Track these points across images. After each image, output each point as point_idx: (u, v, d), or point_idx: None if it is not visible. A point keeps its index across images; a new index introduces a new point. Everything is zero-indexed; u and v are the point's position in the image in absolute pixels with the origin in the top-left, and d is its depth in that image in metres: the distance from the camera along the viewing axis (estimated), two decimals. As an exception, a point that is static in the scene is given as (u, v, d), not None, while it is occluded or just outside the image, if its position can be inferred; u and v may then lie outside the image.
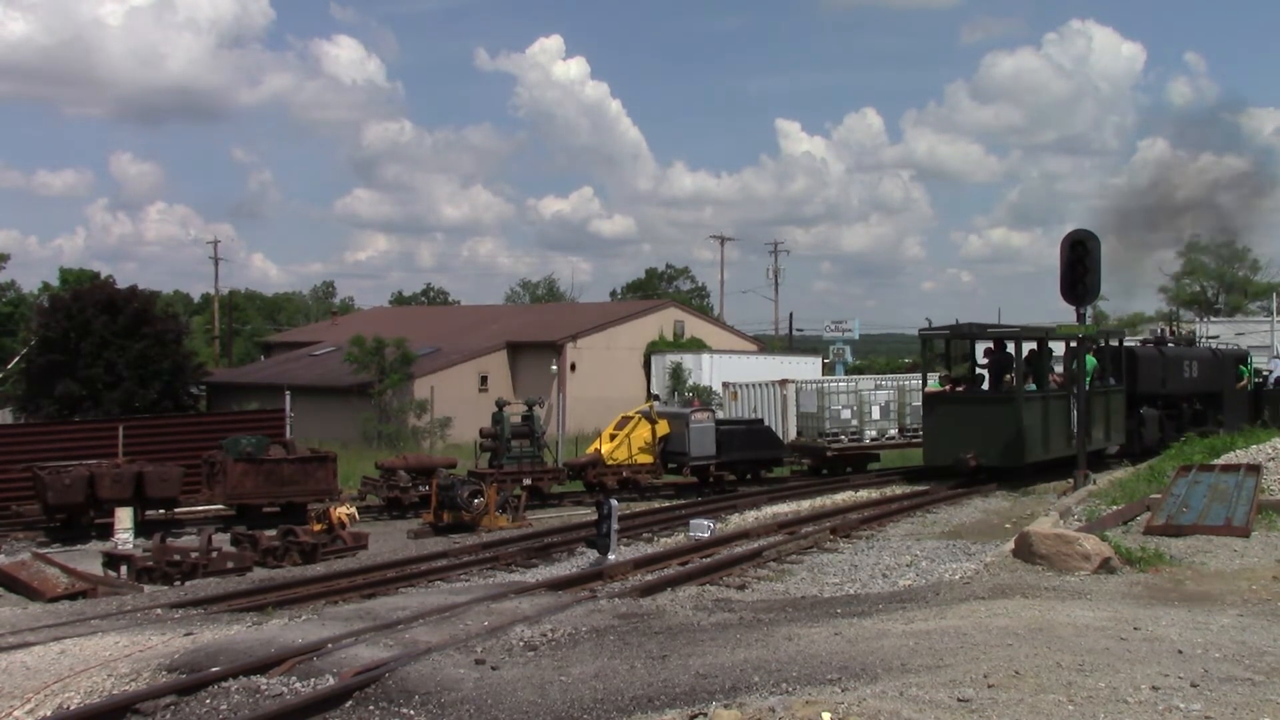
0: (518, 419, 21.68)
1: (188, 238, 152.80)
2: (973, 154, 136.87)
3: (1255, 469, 14.10)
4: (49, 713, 7.05)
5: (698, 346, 47.78)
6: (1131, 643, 7.24)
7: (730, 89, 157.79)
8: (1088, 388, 20.81)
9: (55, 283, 61.99)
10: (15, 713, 7.07)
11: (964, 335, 22.36)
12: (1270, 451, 15.74)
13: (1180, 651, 7.01)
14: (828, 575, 12.09)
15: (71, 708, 7.05)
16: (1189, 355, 26.72)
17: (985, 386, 22.20)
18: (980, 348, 23.26)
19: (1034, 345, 22.26)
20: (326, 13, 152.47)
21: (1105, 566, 10.13)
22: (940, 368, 24.01)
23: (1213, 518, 12.21)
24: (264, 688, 7.10)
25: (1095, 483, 18.21)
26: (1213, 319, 58.10)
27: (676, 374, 43.80)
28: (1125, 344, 24.65)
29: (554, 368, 43.71)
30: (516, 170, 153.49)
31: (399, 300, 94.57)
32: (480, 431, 21.94)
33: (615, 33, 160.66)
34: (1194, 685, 6.21)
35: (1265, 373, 29.21)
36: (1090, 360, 21.43)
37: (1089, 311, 20.12)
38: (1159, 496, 13.45)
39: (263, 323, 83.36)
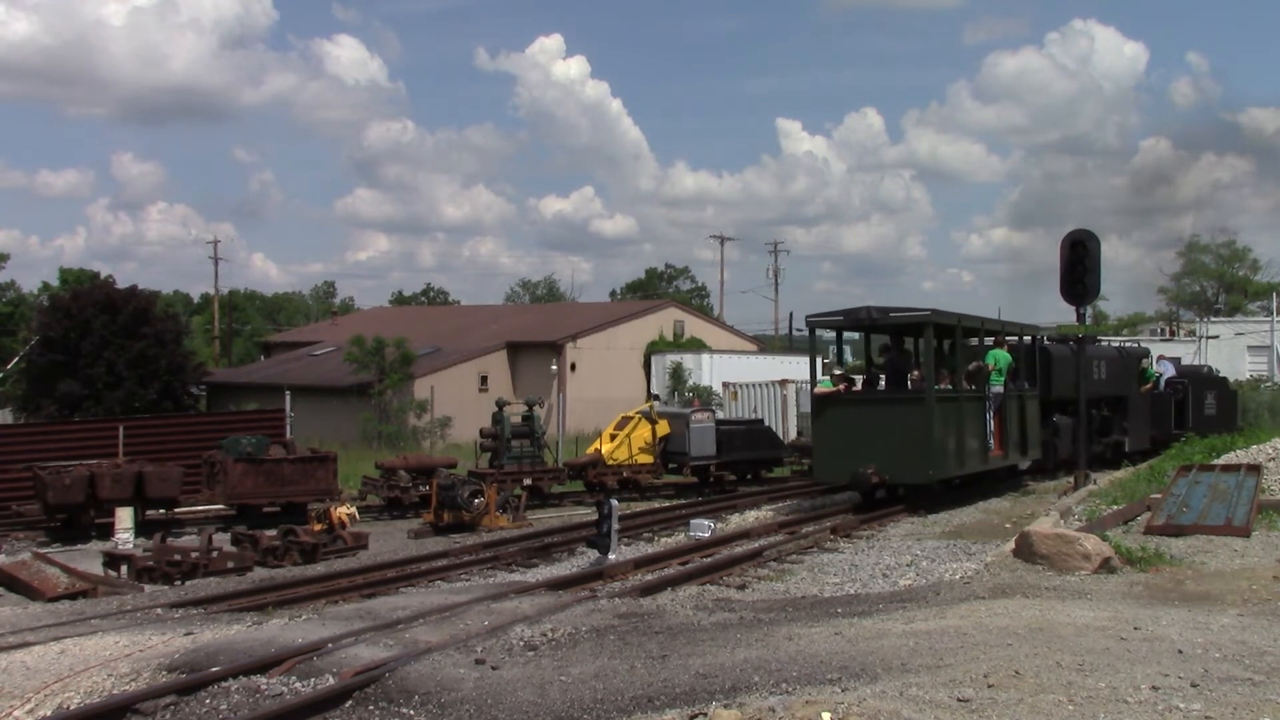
0: (518, 419, 21.70)
1: (188, 238, 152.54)
2: (974, 154, 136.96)
3: (1255, 469, 14.10)
4: (49, 712, 7.04)
5: (698, 346, 47.76)
6: (1132, 643, 7.23)
7: (731, 88, 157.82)
8: (1000, 389, 18.85)
9: (55, 283, 62.06)
10: (15, 712, 7.07)
11: (860, 323, 18.17)
12: (1270, 451, 15.74)
13: (1180, 651, 7.01)
14: (828, 575, 12.08)
15: (71, 708, 7.05)
16: (1096, 355, 23.82)
17: (883, 385, 19.02)
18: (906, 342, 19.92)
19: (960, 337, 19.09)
20: (329, 13, 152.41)
21: (1105, 566, 10.13)
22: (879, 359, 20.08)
23: (1213, 517, 12.22)
24: (264, 687, 7.10)
25: (1095, 482, 18.21)
26: (1213, 319, 58.12)
27: (676, 374, 43.80)
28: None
29: (554, 368, 43.70)
30: (518, 170, 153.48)
31: (399, 300, 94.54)
32: (480, 431, 21.96)
33: (615, 32, 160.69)
34: (1194, 685, 6.21)
35: (1157, 374, 26.36)
36: (1004, 357, 19.11)
37: (1089, 312, 19.97)
38: (1159, 496, 13.46)
39: (263, 323, 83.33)
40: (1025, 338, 20.86)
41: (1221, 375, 30.89)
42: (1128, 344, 28.11)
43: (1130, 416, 24.28)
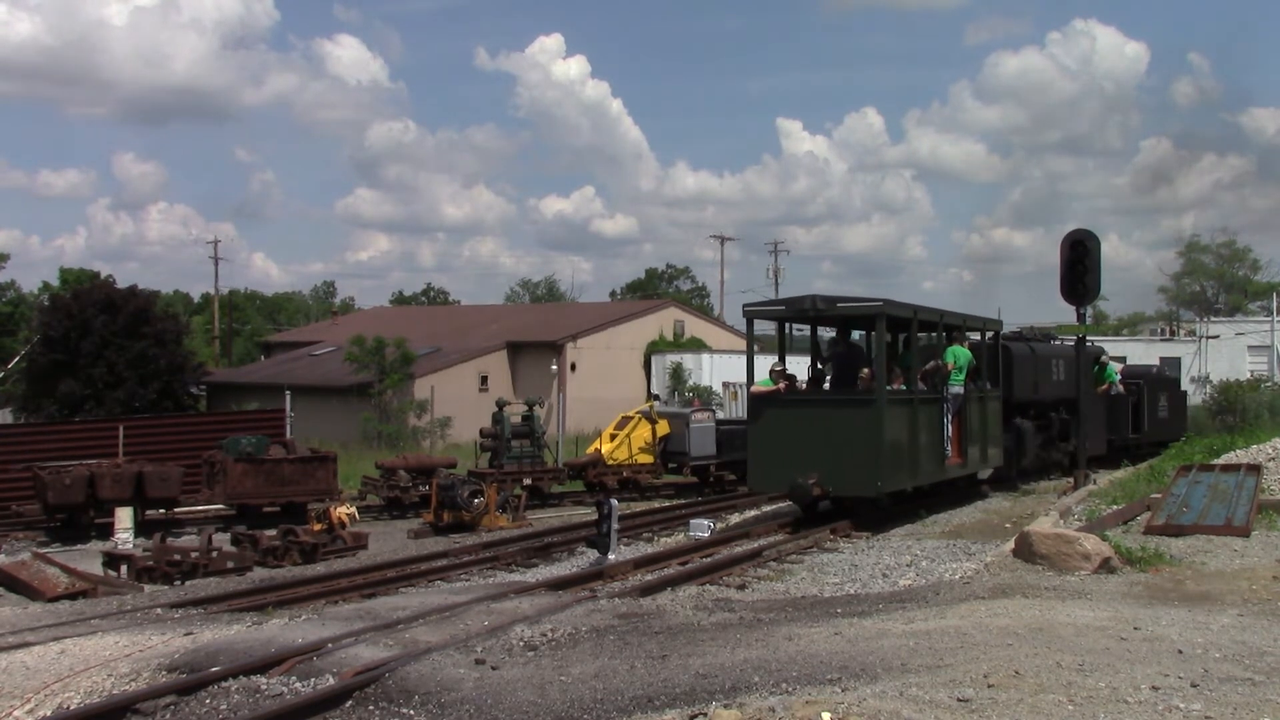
0: (518, 419, 21.70)
1: (189, 237, 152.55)
2: (976, 154, 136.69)
3: (1255, 469, 14.11)
4: (49, 713, 7.04)
5: (698, 346, 47.75)
6: (1131, 643, 7.23)
7: (732, 88, 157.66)
8: (960, 390, 17.18)
9: (55, 282, 62.06)
10: (15, 713, 7.07)
11: (804, 313, 16.13)
12: (1270, 451, 15.76)
13: (1180, 651, 7.01)
14: (828, 575, 12.09)
15: (71, 708, 7.04)
16: (1055, 354, 22.54)
17: (828, 383, 17.27)
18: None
19: (922, 331, 17.92)
20: (330, 13, 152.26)
21: (1105, 566, 10.13)
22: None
23: (1213, 517, 12.22)
24: (264, 687, 7.10)
25: (1095, 482, 18.22)
26: (1213, 319, 58.14)
27: (676, 374, 43.80)
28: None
29: (554, 368, 43.71)
30: (518, 170, 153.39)
31: (399, 300, 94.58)
32: (480, 431, 21.97)
33: (615, 32, 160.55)
34: (1194, 685, 6.21)
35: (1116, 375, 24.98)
36: (965, 354, 17.34)
37: (1089, 312, 19.93)
38: (1159, 496, 13.46)
39: (263, 323, 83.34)
40: (988, 334, 19.31)
41: (1173, 375, 29.58)
42: (1089, 343, 26.83)
43: (1088, 420, 23.06)
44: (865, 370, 15.96)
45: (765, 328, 20.20)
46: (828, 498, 15.63)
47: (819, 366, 17.65)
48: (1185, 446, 21.13)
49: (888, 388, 15.49)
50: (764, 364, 17.06)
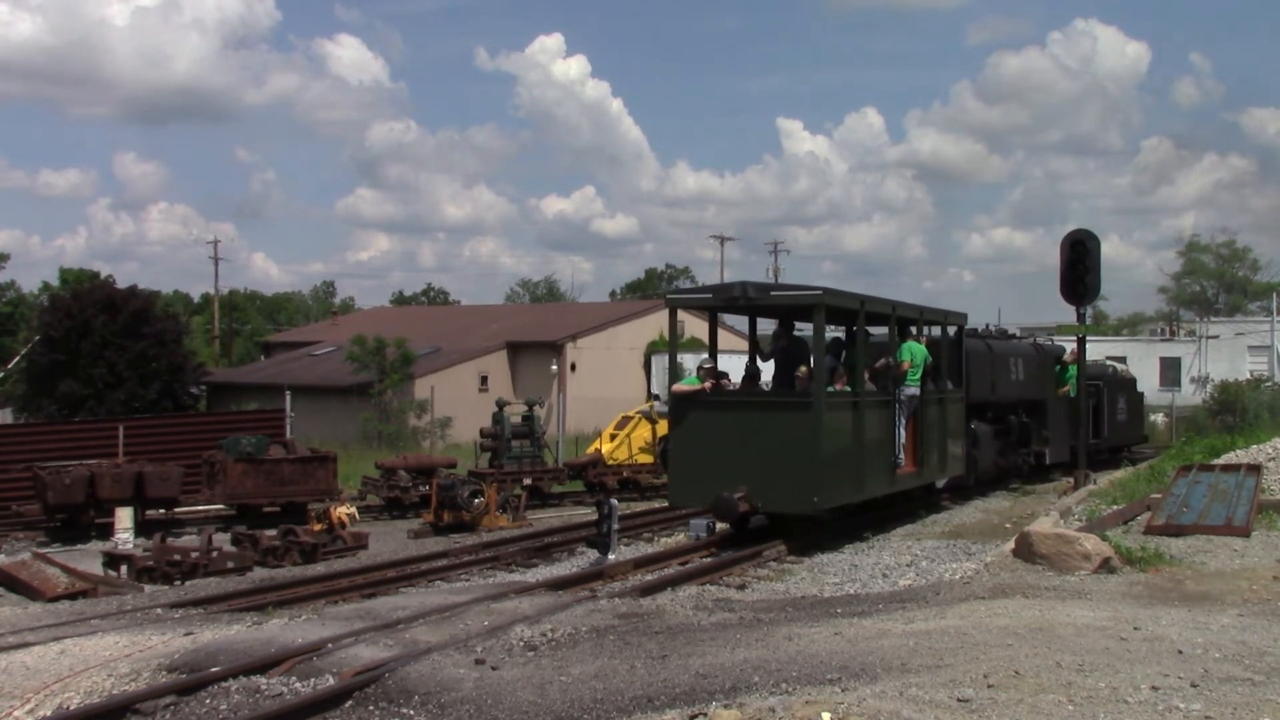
0: (518, 419, 21.72)
1: (189, 237, 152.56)
2: (977, 154, 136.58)
3: (1255, 469, 14.11)
4: (49, 713, 7.04)
5: (698, 347, 47.71)
6: (1131, 643, 7.24)
7: (732, 88, 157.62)
8: (917, 391, 15.67)
9: (55, 282, 62.08)
10: (15, 713, 7.07)
11: (734, 302, 14.08)
12: (1270, 451, 15.76)
13: (1180, 651, 7.01)
14: (828, 575, 12.09)
15: (71, 708, 7.04)
16: (1013, 352, 21.07)
17: (767, 382, 15.31)
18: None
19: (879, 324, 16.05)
20: (331, 13, 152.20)
21: (1105, 566, 10.14)
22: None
23: (1213, 517, 12.22)
24: (264, 687, 7.10)
25: (1095, 482, 18.22)
26: (1213, 319, 58.18)
27: (677, 374, 43.76)
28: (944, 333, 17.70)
29: (554, 368, 43.71)
30: (519, 170, 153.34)
31: (399, 300, 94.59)
32: (480, 431, 21.98)
33: (615, 32, 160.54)
34: (1194, 685, 6.21)
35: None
36: (921, 351, 15.85)
37: (1089, 312, 19.91)
38: (1159, 496, 13.47)
39: (263, 323, 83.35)
40: (949, 329, 17.65)
41: (1130, 376, 27.94)
42: (1042, 340, 24.17)
43: (1050, 424, 21.57)
44: (802, 368, 14.07)
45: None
46: (757, 514, 13.79)
47: (757, 364, 15.65)
48: (1185, 446, 21.12)
49: (832, 389, 13.83)
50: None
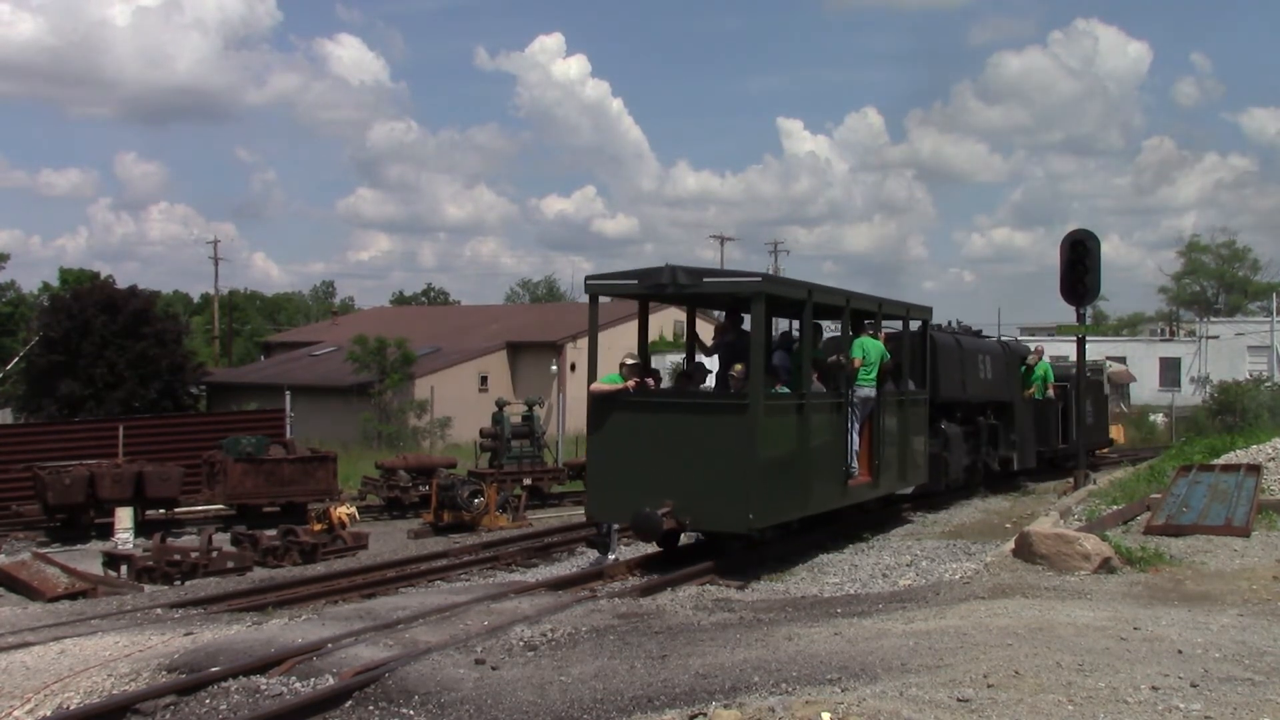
0: (518, 419, 21.72)
1: (190, 237, 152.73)
2: (978, 153, 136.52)
3: (1255, 469, 14.11)
4: (49, 713, 7.04)
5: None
6: (1131, 643, 7.24)
7: (733, 88, 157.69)
8: (872, 392, 14.07)
9: (55, 283, 62.09)
10: (15, 713, 7.07)
11: (661, 289, 12.21)
12: (1270, 451, 15.75)
13: (1180, 651, 7.01)
14: (828, 575, 12.08)
15: (71, 708, 7.04)
16: (983, 349, 19.71)
17: (710, 384, 13.63)
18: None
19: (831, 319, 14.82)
20: (332, 13, 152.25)
21: (1105, 566, 10.14)
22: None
23: (1213, 518, 12.22)
24: (264, 687, 7.10)
25: (1095, 482, 18.22)
26: (1213, 319, 58.20)
27: (677, 374, 43.77)
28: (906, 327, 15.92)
29: (554, 368, 43.71)
30: (520, 170, 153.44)
31: (400, 300, 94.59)
32: (480, 431, 21.98)
33: (616, 31, 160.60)
34: (1194, 685, 6.21)
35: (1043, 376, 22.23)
36: (877, 348, 14.23)
37: (1089, 312, 19.88)
38: (1159, 496, 13.46)
39: (263, 323, 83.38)
40: (913, 322, 15.91)
41: (1096, 377, 26.11)
42: (1007, 339, 22.64)
43: (1017, 428, 20.29)
44: (738, 366, 12.56)
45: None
46: (684, 531, 12.27)
47: (696, 360, 14.30)
48: (1185, 446, 21.10)
49: (776, 389, 12.51)
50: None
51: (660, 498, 11.50)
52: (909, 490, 16.36)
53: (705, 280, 12.14)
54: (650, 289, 12.48)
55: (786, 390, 12.69)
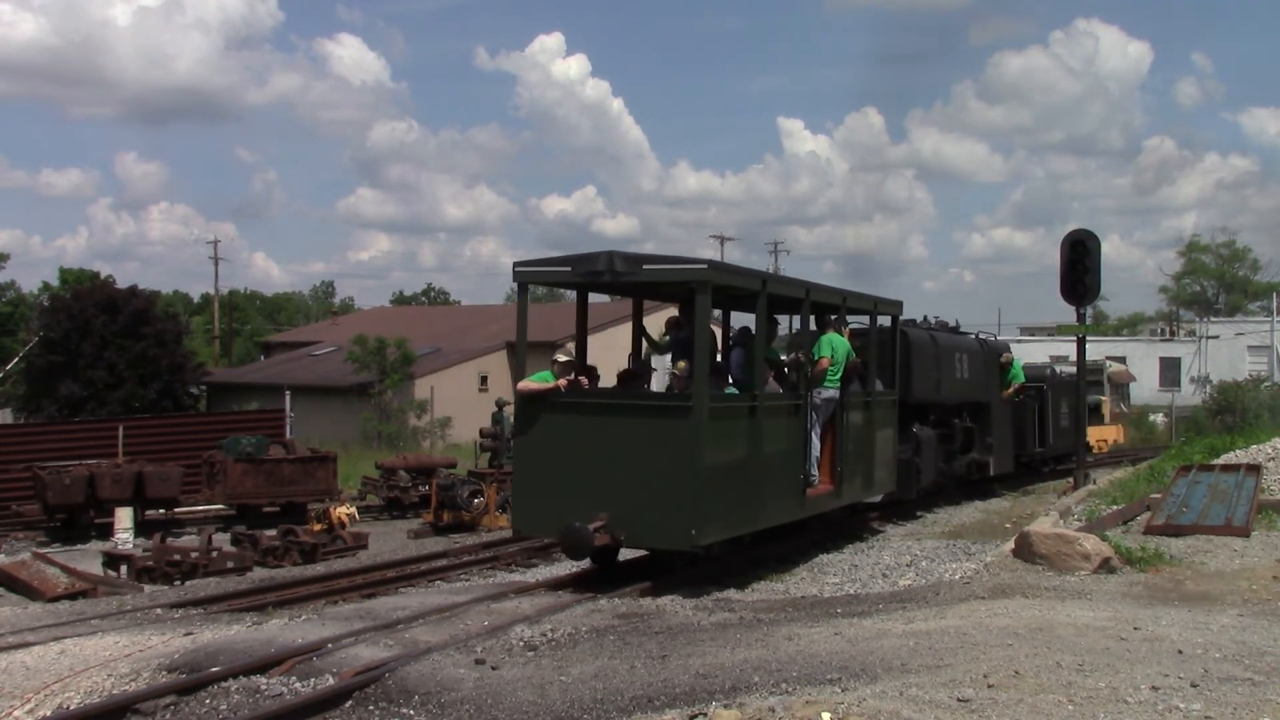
0: (518, 419, 21.67)
1: (190, 237, 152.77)
2: (978, 154, 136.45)
3: (1255, 469, 14.11)
4: (49, 713, 7.04)
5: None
6: (1131, 643, 7.24)
7: (733, 88, 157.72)
8: (835, 394, 12.91)
9: (55, 283, 62.08)
10: (15, 713, 7.07)
11: (598, 277, 11.01)
12: (1270, 451, 15.76)
13: (1180, 651, 7.01)
14: (828, 575, 12.08)
15: (71, 708, 7.04)
16: (959, 347, 18.57)
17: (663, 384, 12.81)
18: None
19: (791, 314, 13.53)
20: (333, 13, 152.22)
21: (1105, 566, 10.14)
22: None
23: (1213, 518, 12.22)
24: (264, 688, 7.10)
25: (1095, 482, 18.22)
26: (1213, 319, 58.20)
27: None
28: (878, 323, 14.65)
29: (554, 368, 43.63)
30: (520, 170, 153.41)
31: (400, 300, 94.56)
32: (480, 431, 21.96)
33: (615, 31, 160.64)
34: (1194, 685, 6.21)
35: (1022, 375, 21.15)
36: (843, 345, 13.08)
37: (1089, 312, 19.86)
38: (1159, 496, 13.46)
39: (263, 323, 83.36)
40: (881, 318, 14.63)
41: (1070, 378, 24.53)
42: (986, 335, 21.55)
43: (995, 430, 19.30)
44: (680, 363, 11.39)
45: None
46: (620, 546, 11.12)
47: (642, 357, 13.36)
48: (1185, 446, 21.08)
49: (730, 391, 11.59)
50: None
51: (594, 510, 10.37)
52: (876, 499, 15.13)
53: (645, 268, 10.86)
54: (584, 277, 11.22)
55: (736, 391, 11.63)
